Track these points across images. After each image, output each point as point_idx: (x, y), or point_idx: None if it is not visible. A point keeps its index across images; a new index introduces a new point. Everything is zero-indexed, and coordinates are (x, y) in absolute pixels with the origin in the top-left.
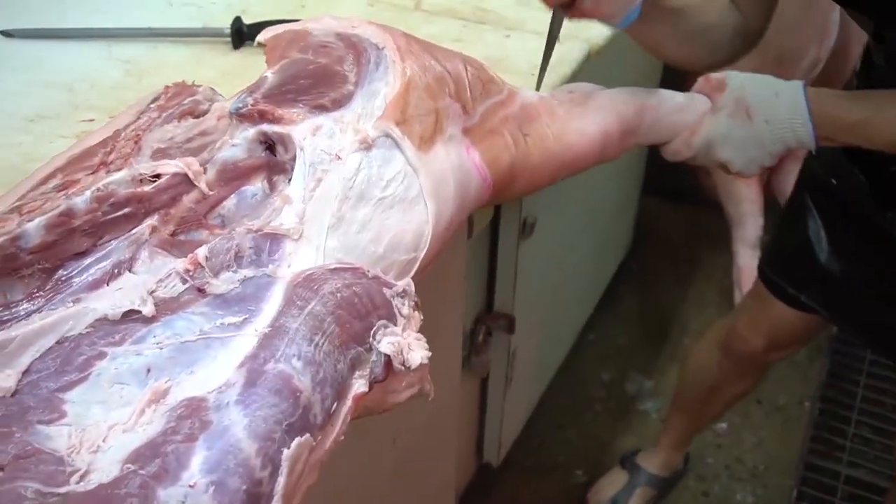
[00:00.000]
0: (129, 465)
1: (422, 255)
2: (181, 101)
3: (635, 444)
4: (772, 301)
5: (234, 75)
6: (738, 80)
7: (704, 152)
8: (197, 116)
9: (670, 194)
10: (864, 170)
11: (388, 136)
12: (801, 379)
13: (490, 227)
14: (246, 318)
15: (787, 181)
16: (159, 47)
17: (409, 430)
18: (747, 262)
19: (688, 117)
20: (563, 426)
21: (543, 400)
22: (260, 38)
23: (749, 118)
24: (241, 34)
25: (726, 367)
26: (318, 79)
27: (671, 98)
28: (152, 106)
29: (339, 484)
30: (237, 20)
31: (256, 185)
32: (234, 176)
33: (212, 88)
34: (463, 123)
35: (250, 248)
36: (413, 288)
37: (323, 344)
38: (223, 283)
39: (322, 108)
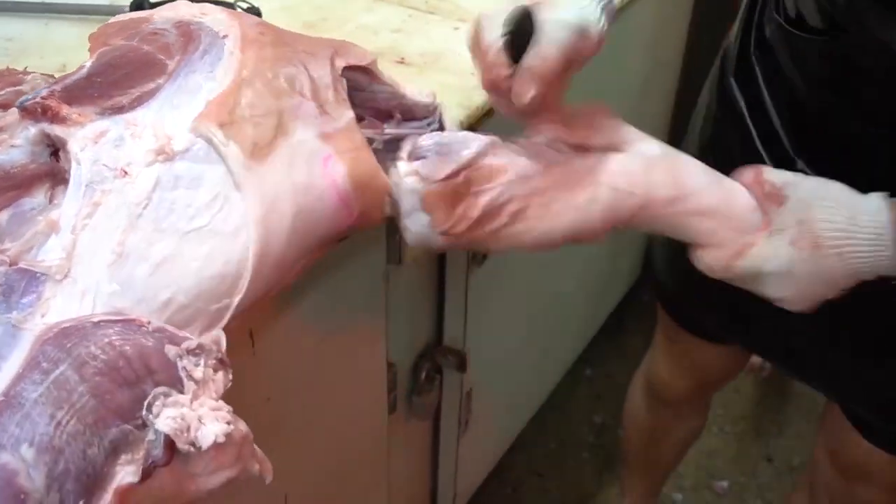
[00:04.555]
0: None
1: (236, 301)
2: None
3: (621, 499)
4: (686, 336)
5: None
6: (803, 193)
7: (750, 280)
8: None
9: None
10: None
11: (206, 140)
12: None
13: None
14: None
15: None
16: (51, 25)
17: (306, 486)
18: None
19: (721, 228)
20: (542, 474)
21: (524, 440)
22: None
23: (817, 248)
24: None
25: (661, 412)
26: (132, 70)
27: (707, 192)
28: None
29: None
30: None
31: (39, 199)
32: (11, 184)
33: (49, 76)
34: (321, 127)
35: (0, 284)
36: (222, 341)
37: (68, 423)
38: None
39: (116, 109)
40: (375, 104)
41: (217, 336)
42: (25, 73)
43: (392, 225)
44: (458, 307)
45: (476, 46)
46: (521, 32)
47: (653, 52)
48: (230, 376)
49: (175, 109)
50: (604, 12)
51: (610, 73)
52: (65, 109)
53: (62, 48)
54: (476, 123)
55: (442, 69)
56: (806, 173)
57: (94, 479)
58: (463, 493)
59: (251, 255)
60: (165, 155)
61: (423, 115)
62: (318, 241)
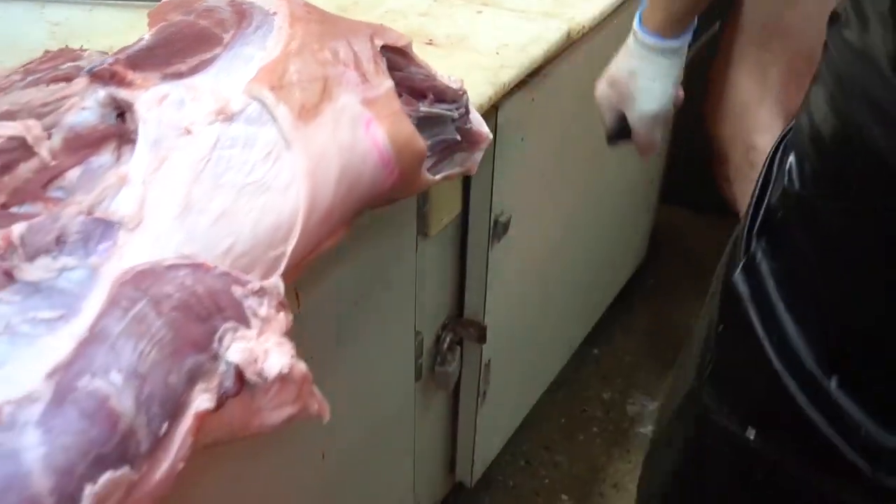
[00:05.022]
0: None
1: (289, 249)
2: (57, 66)
3: (630, 470)
4: None
5: None
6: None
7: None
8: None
9: (693, 205)
10: None
11: (259, 102)
12: None
13: (459, 225)
14: (62, 316)
15: None
16: (95, 11)
17: (341, 445)
18: None
19: None
20: (551, 447)
21: (534, 417)
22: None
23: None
24: None
25: None
26: (190, 42)
27: None
28: (20, 68)
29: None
30: None
31: (106, 157)
32: (82, 144)
33: (103, 53)
34: (363, 93)
35: (77, 232)
36: (280, 286)
37: (150, 353)
38: (38, 270)
39: (176, 75)
40: (411, 84)
41: (276, 281)
42: (81, 50)
43: (422, 197)
44: (479, 280)
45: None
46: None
47: None
48: (291, 317)
49: (230, 76)
50: (677, 83)
51: None
52: (130, 75)
53: (108, 32)
54: (502, 100)
55: (469, 49)
56: (841, 403)
57: (175, 405)
58: (480, 463)
59: (301, 207)
60: (224, 115)
61: (453, 99)
62: (361, 199)
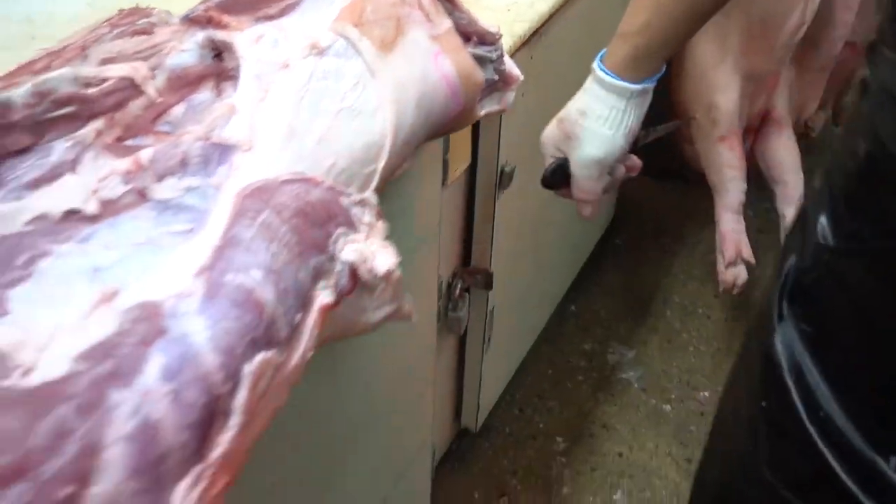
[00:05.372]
0: (77, 364)
1: (381, 166)
2: (135, 21)
3: (616, 412)
4: None
5: None
6: None
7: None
8: None
9: (656, 173)
10: None
11: (344, 38)
12: None
13: (467, 176)
14: (193, 228)
15: (770, 147)
16: None
17: (382, 378)
18: (730, 226)
19: None
20: (543, 395)
21: (525, 369)
22: None
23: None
24: None
25: None
26: None
27: None
28: (104, 24)
29: (305, 423)
30: None
31: (205, 94)
32: (183, 83)
33: (167, 12)
34: (429, 31)
35: (198, 156)
36: (375, 198)
37: (280, 253)
38: (167, 190)
39: (267, 17)
40: (457, 27)
41: (370, 194)
42: (150, 9)
43: (445, 145)
44: (486, 229)
45: None
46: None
47: None
48: (388, 225)
49: (315, 16)
50: (627, 134)
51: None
52: (225, 18)
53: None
54: (518, 51)
55: (483, 7)
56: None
57: (304, 299)
58: (483, 409)
59: (388, 129)
60: (316, 50)
61: (491, 42)
62: (432, 127)
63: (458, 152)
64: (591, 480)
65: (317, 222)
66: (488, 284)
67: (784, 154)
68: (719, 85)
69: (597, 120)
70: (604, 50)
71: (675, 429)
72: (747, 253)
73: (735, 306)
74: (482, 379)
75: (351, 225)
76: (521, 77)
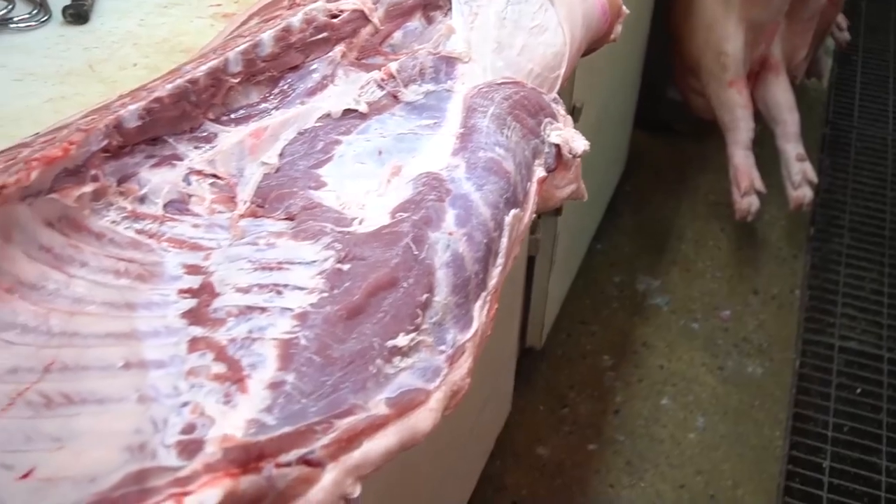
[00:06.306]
0: (397, 216)
1: (562, 72)
2: None
3: (652, 332)
4: None
5: None
6: None
7: None
8: None
9: (656, 127)
10: None
11: None
12: (789, 272)
13: None
14: (436, 122)
15: (768, 90)
16: None
17: None
18: (742, 161)
19: None
20: (586, 321)
21: (567, 299)
22: None
23: None
24: None
25: None
26: None
27: None
28: None
29: None
30: None
31: (416, 22)
32: (399, 13)
33: None
34: None
35: (430, 67)
36: (559, 99)
37: (511, 135)
38: (411, 94)
39: None
40: None
41: (556, 95)
42: None
43: None
44: None
45: None
46: None
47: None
48: (571, 119)
49: None
50: None
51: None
52: None
53: None
54: None
55: None
56: None
57: (529, 171)
58: (546, 327)
59: (567, 41)
60: None
61: None
62: (588, 43)
63: None
64: (640, 389)
65: (531, 113)
66: (558, 210)
67: (781, 95)
68: (727, 34)
69: None
70: None
71: (704, 342)
72: (759, 184)
73: (739, 237)
74: (547, 300)
75: (553, 116)
76: (627, 11)
